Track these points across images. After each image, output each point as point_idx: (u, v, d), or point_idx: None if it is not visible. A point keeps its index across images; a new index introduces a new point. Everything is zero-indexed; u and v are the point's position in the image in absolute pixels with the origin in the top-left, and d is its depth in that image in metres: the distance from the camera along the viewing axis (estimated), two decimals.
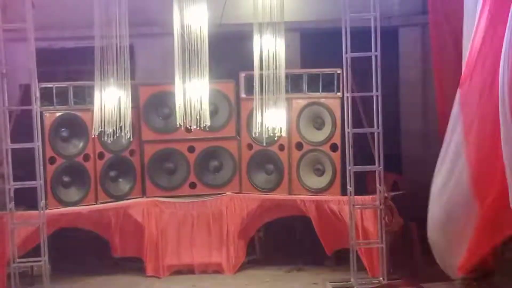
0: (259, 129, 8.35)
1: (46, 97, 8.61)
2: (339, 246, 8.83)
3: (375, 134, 8.25)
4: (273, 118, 8.41)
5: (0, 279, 8.20)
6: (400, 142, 11.22)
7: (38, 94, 8.26)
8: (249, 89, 8.77)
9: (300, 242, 9.34)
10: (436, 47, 9.09)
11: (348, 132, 8.32)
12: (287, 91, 8.55)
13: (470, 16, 7.40)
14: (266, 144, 8.74)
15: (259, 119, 8.40)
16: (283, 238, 9.41)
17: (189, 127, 8.38)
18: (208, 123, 8.33)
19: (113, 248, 8.93)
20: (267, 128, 8.41)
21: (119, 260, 9.10)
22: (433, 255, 8.10)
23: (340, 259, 8.86)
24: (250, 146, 9.18)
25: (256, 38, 8.28)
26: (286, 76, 8.48)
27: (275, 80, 8.33)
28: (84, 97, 8.80)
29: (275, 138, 8.64)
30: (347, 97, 8.32)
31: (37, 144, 8.13)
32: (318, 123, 9.03)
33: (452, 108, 7.48)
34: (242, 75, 9.03)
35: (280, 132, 8.47)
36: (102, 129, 8.24)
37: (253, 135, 8.88)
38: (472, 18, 7.28)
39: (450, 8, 8.51)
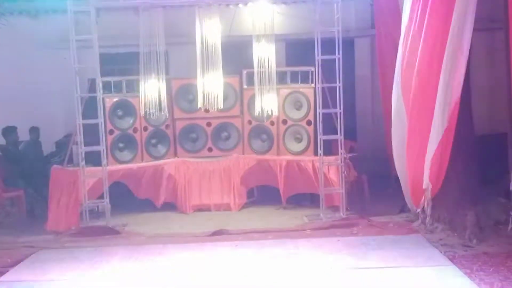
0: (258, 110, 8.58)
1: (106, 87, 8.62)
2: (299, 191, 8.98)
3: (338, 113, 8.21)
4: (266, 102, 8.66)
5: (75, 215, 8.16)
6: (355, 118, 11.26)
7: (100, 85, 8.26)
8: (249, 82, 8.85)
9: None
10: (380, 51, 9.10)
11: (319, 112, 8.32)
12: (276, 83, 8.59)
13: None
14: (262, 120, 8.91)
15: (257, 103, 8.73)
16: (272, 188, 9.13)
17: (207, 109, 8.72)
18: (221, 106, 8.63)
19: (138, 194, 9.03)
20: (263, 109, 8.75)
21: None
22: (378, 198, 8.39)
23: (313, 201, 8.81)
24: (250, 122, 9.16)
25: (254, 45, 8.42)
26: (276, 73, 8.55)
27: (268, 76, 8.48)
28: (133, 87, 8.80)
29: (269, 116, 8.80)
30: (318, 87, 8.29)
31: (100, 120, 8.22)
32: (297, 106, 9.01)
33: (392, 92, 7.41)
34: (244, 72, 9.00)
35: (272, 112, 8.81)
36: (147, 110, 8.53)
37: (255, 114, 8.76)
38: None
39: (390, 23, 8.33)
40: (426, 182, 6.75)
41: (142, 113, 8.64)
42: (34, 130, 9.72)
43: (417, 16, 6.62)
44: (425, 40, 6.49)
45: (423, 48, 6.54)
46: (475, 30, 7.10)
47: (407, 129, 6.90)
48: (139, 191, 9.06)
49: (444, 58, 6.29)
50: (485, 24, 7.72)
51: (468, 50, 6.10)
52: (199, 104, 8.59)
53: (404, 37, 6.94)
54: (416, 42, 6.63)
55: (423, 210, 7.06)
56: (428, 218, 6.99)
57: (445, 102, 6.45)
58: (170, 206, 9.05)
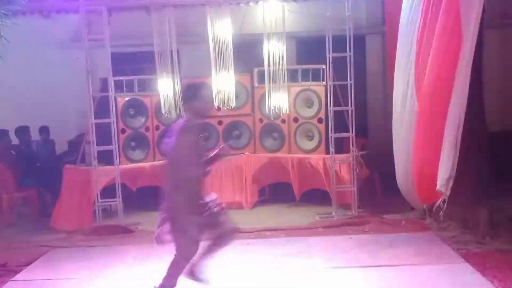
0: (269, 108, 8.65)
1: (118, 86, 8.68)
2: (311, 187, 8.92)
3: (349, 111, 8.22)
4: (277, 101, 8.71)
5: (88, 213, 8.25)
6: (366, 116, 11.21)
7: (112, 85, 8.29)
8: (261, 80, 8.84)
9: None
10: (390, 48, 8.67)
11: (330, 110, 8.33)
12: (287, 81, 8.65)
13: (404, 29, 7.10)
14: (273, 119, 8.92)
15: (269, 101, 8.73)
16: (283, 186, 9.16)
17: (218, 107, 8.72)
18: (233, 104, 8.66)
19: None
20: (274, 107, 8.76)
21: None
22: (391, 196, 8.27)
23: (324, 199, 8.76)
24: (261, 120, 9.11)
25: (265, 44, 8.48)
26: (286, 71, 8.60)
27: (278, 74, 8.56)
28: (145, 86, 8.87)
29: (279, 115, 8.88)
30: (330, 85, 8.29)
31: (112, 119, 8.26)
32: (309, 104, 9.01)
33: None
34: (255, 70, 8.95)
35: (282, 110, 8.82)
36: (165, 109, 8.50)
37: (266, 112, 8.84)
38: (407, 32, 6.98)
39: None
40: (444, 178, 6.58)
41: (164, 111, 8.64)
42: (44, 130, 9.79)
43: (430, 11, 6.56)
44: (438, 36, 6.43)
45: (436, 44, 6.47)
46: (487, 27, 7.08)
47: (416, 125, 6.79)
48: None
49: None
50: (498, 20, 7.67)
51: (473, 47, 5.98)
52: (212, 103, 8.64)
53: (419, 33, 6.87)
54: (430, 38, 6.57)
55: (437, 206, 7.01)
56: (441, 213, 6.88)
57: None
58: None
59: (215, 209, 4.90)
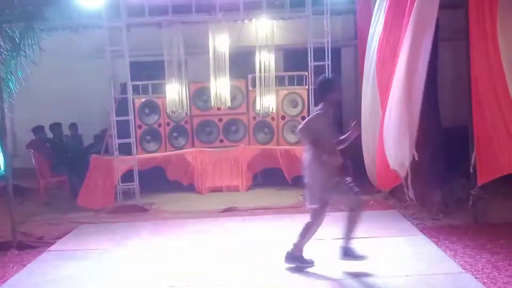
0: (261, 108, 8.70)
1: (135, 90, 8.69)
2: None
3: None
4: (267, 102, 8.75)
5: (111, 195, 8.23)
6: (342, 114, 10.80)
7: (131, 88, 8.31)
8: (254, 84, 8.85)
9: (283, 175, 8.90)
10: (362, 59, 8.83)
11: (311, 109, 8.28)
12: (276, 86, 8.70)
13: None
14: (263, 116, 8.98)
15: (260, 102, 8.77)
16: (273, 172, 9.14)
17: (219, 107, 8.76)
18: (229, 105, 8.67)
19: (169, 175, 8.97)
20: (264, 107, 8.80)
21: (178, 184, 9.03)
22: (361, 180, 8.30)
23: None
24: (254, 118, 9.10)
25: (257, 54, 8.53)
26: (275, 77, 8.66)
27: (268, 79, 8.63)
28: (158, 90, 8.85)
29: (269, 113, 8.93)
30: (311, 88, 8.32)
31: (130, 117, 8.27)
32: (294, 104, 9.02)
33: None
34: (249, 76, 8.95)
35: (272, 109, 8.86)
36: (172, 109, 8.55)
37: (257, 111, 8.87)
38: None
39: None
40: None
41: (169, 111, 8.62)
42: (73, 126, 9.74)
43: (389, 28, 6.53)
44: (393, 48, 6.39)
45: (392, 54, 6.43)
46: (441, 40, 7.10)
47: (380, 122, 6.81)
48: (170, 173, 9.05)
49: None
50: (450, 35, 7.69)
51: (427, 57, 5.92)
52: (212, 103, 8.68)
53: (379, 45, 6.86)
54: (387, 50, 6.55)
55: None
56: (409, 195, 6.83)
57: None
58: (189, 188, 9.03)
59: (344, 184, 4.92)
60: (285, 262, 5.05)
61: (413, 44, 5.58)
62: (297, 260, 5.02)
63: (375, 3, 6.84)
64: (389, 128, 6.18)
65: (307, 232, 4.96)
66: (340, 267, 5.05)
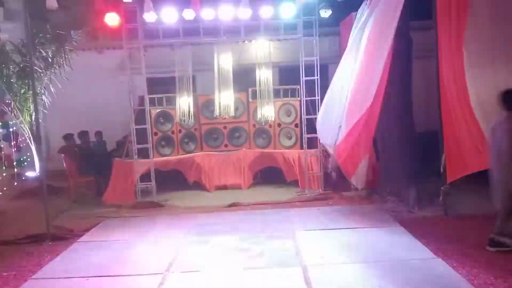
0: (260, 117, 8.65)
1: (152, 102, 8.61)
2: (294, 178, 8.68)
3: (317, 118, 8.04)
4: (265, 111, 8.69)
5: (131, 193, 8.20)
6: None
7: (147, 101, 8.31)
8: (253, 96, 8.79)
9: (280, 175, 8.88)
10: None
11: (303, 117, 8.29)
12: (272, 97, 8.62)
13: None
14: (263, 124, 8.88)
15: (259, 112, 8.74)
16: (271, 173, 9.07)
17: (223, 117, 8.74)
18: (233, 114, 8.64)
19: (186, 177, 8.92)
20: (264, 116, 8.76)
21: (189, 183, 8.95)
22: (346, 179, 8.30)
23: (298, 182, 8.53)
24: (254, 125, 9.02)
25: (256, 71, 8.48)
26: (272, 90, 8.58)
27: (266, 92, 8.56)
28: (171, 101, 8.79)
29: (268, 121, 8.82)
30: (303, 100, 8.28)
31: (148, 126, 8.27)
32: (288, 113, 8.92)
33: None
34: (250, 89, 8.87)
35: (269, 118, 8.80)
36: (181, 118, 8.56)
37: (257, 119, 8.81)
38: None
39: None
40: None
41: (177, 120, 8.65)
42: (98, 133, 9.76)
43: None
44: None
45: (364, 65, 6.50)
46: (415, 57, 7.14)
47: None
48: (188, 175, 8.98)
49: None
50: (422, 53, 7.71)
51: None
52: (218, 113, 8.66)
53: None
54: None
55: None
56: (357, 184, 6.90)
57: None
58: (198, 186, 8.99)
59: None
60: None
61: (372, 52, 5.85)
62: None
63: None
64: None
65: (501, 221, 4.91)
66: (327, 254, 5.07)
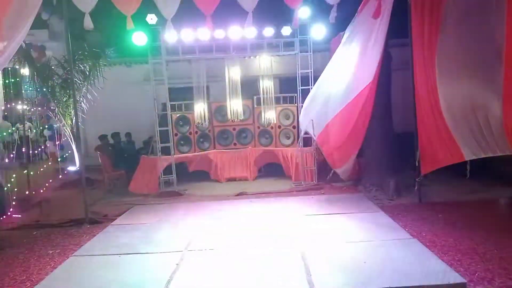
0: (263, 120, 8.63)
1: (173, 108, 8.56)
2: (290, 172, 8.58)
3: (312, 121, 8.20)
4: (268, 115, 8.67)
5: (155, 184, 8.16)
6: None
7: (169, 107, 8.27)
8: (258, 103, 8.74)
9: (280, 169, 8.80)
10: None
11: (299, 120, 8.12)
12: (274, 104, 8.56)
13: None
14: (266, 126, 8.84)
15: (263, 116, 8.72)
16: (273, 168, 9.06)
17: (233, 120, 8.72)
18: (242, 118, 8.63)
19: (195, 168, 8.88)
20: (267, 119, 8.75)
21: (203, 176, 8.95)
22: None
23: (295, 175, 8.46)
24: (258, 127, 8.90)
25: (260, 81, 8.43)
26: (273, 97, 8.52)
27: (268, 99, 8.51)
28: (189, 107, 8.74)
29: (270, 124, 8.79)
30: (299, 106, 8.19)
31: (169, 127, 8.23)
32: (287, 117, 8.80)
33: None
34: (255, 97, 8.78)
35: (271, 121, 8.78)
36: (198, 121, 8.55)
37: (261, 122, 8.74)
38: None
39: None
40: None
41: (196, 123, 8.62)
42: (128, 134, 9.78)
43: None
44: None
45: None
46: (394, 70, 7.12)
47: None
48: (195, 167, 9.00)
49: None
50: (400, 66, 7.69)
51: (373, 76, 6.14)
52: (229, 117, 8.64)
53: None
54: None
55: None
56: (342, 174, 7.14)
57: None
58: (211, 178, 8.99)
59: None
60: None
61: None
62: None
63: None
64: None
65: None
66: (320, 235, 5.08)
